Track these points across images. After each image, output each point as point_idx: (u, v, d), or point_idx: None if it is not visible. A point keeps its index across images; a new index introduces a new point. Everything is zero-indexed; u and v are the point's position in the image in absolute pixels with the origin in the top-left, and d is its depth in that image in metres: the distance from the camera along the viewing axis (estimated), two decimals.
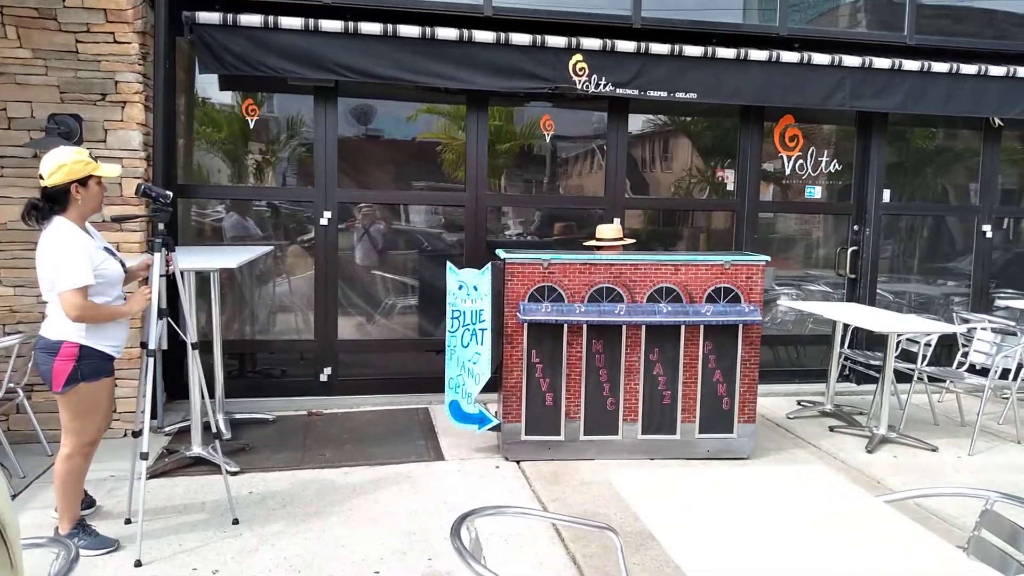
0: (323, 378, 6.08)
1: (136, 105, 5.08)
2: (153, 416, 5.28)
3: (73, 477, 3.51)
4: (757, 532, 1.97)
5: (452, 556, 3.56)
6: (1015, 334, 5.63)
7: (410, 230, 6.50)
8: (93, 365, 3.39)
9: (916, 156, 7.19)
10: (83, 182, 3.36)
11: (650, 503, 2.03)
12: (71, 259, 3.28)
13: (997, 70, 6.30)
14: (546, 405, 4.78)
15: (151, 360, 3.62)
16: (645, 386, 4.83)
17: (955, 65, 6.24)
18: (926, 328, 5.41)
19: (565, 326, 4.72)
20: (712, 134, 6.96)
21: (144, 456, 3.59)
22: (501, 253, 4.79)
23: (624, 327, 4.76)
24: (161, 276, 3.73)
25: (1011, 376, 5.44)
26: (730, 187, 6.67)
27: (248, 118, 5.95)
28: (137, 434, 3.75)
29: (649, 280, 4.76)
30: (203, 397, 4.11)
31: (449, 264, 4.82)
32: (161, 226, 3.68)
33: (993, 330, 5.76)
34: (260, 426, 5.45)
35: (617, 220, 6.26)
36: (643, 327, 4.76)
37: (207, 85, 5.96)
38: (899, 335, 5.44)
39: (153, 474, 4.45)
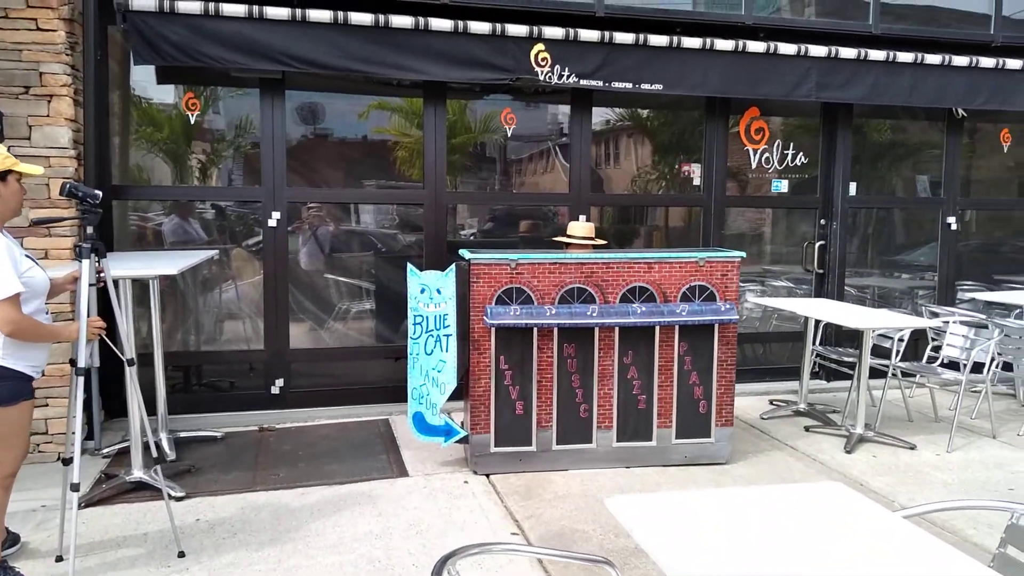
0: (275, 390, 5.70)
1: (64, 99, 4.65)
2: (90, 437, 4.95)
3: None
4: (774, 555, 1.74)
5: None
6: (986, 327, 5.54)
7: (363, 231, 6.16)
8: (11, 387, 3.03)
9: (879, 149, 7.10)
10: (2, 177, 3.03)
11: (655, 532, 1.77)
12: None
13: (960, 60, 6.25)
14: (516, 414, 4.51)
15: (81, 379, 3.24)
16: (619, 391, 4.59)
17: (920, 55, 6.16)
18: (902, 324, 5.30)
19: (535, 330, 4.46)
20: (677, 128, 6.78)
21: (75, 488, 3.20)
22: (465, 253, 4.50)
23: (597, 329, 4.52)
24: (91, 286, 3.34)
25: (985, 370, 5.35)
26: (696, 182, 6.49)
27: (189, 113, 5.54)
28: (68, 461, 3.37)
29: (622, 279, 4.53)
30: (143, 416, 3.73)
31: (410, 266, 4.51)
32: (90, 230, 3.32)
33: (963, 323, 5.68)
34: (207, 444, 5.06)
35: (583, 217, 6.03)
36: (616, 329, 4.53)
37: (144, 79, 5.54)
38: (874, 331, 5.31)
39: (89, 502, 4.06)
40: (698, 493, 2.14)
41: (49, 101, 4.63)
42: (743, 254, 4.68)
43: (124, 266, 4.20)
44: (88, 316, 3.26)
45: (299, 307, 5.90)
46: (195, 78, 5.54)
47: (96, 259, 3.34)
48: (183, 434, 5.07)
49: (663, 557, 1.64)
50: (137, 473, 4.28)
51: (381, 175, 6.16)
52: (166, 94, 5.67)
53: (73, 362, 3.30)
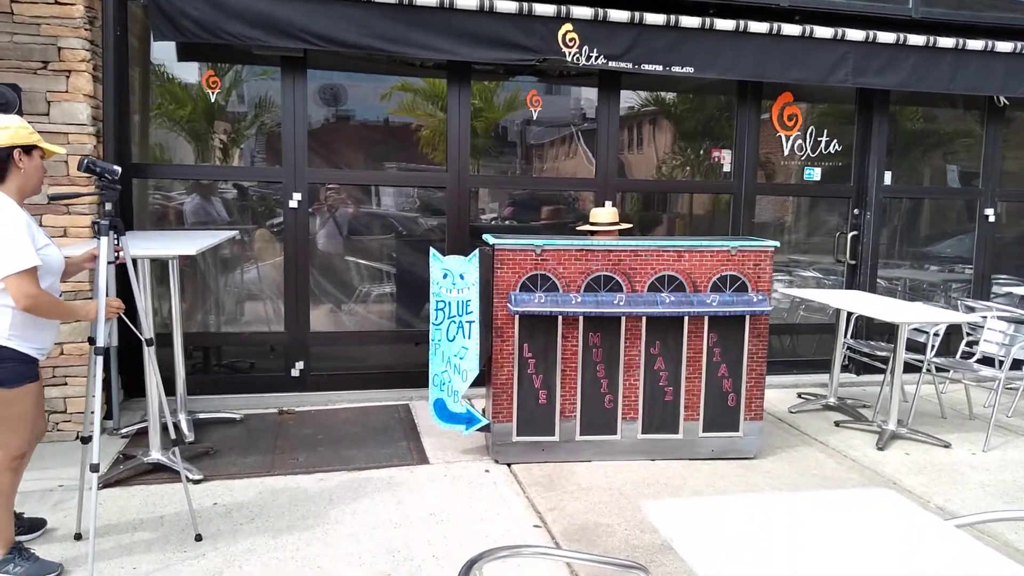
0: (295, 373, 5.64)
1: (83, 75, 4.58)
2: (108, 416, 4.90)
3: (1, 497, 3.06)
4: (828, 567, 1.62)
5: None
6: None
7: (384, 214, 6.05)
8: (14, 369, 2.96)
9: (912, 138, 6.88)
10: (27, 150, 2.97)
11: (698, 544, 1.66)
12: (16, 237, 2.84)
13: (1004, 46, 6.01)
14: (539, 403, 4.41)
15: (99, 359, 3.17)
16: (646, 382, 4.48)
17: (961, 40, 5.93)
18: (938, 318, 5.13)
19: (560, 318, 4.34)
20: (707, 113, 6.60)
21: (95, 468, 3.14)
22: (489, 238, 4.39)
23: (623, 318, 4.39)
24: (109, 264, 3.28)
25: (1006, 365, 5.15)
26: (727, 168, 6.32)
27: (210, 92, 5.46)
28: (86, 440, 3.34)
29: (650, 267, 4.40)
30: (161, 397, 3.67)
31: (432, 251, 4.41)
32: (109, 206, 3.27)
33: (1000, 318, 5.49)
34: (226, 426, 5.01)
35: (609, 203, 5.90)
36: (643, 318, 4.40)
37: (165, 56, 5.45)
38: (909, 325, 5.14)
39: (107, 483, 4.02)
40: (741, 499, 2.03)
41: (68, 77, 4.56)
42: (777, 243, 4.53)
43: (143, 245, 4.13)
44: (107, 295, 3.20)
45: (319, 289, 5.82)
46: (216, 55, 5.44)
47: (115, 236, 3.28)
48: (202, 415, 5.02)
49: (703, 567, 1.53)
50: (155, 454, 4.23)
51: (403, 157, 6.05)
52: (187, 72, 5.57)
53: (92, 341, 3.23)
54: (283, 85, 5.43)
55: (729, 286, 4.46)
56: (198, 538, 3.46)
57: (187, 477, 4.01)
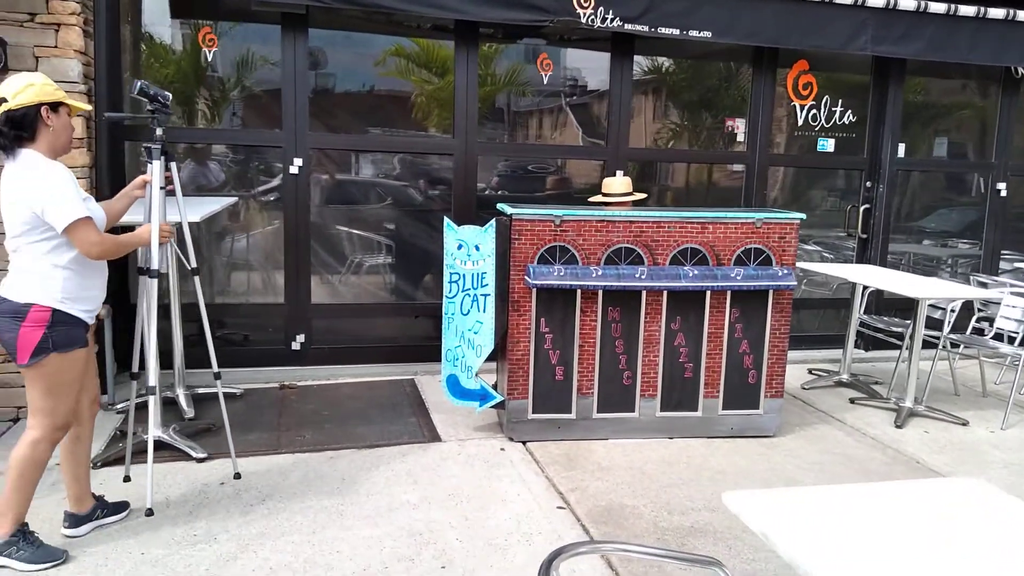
0: (295, 346, 5.45)
1: (73, 29, 4.30)
2: (104, 391, 4.70)
3: (33, 467, 2.89)
4: (930, 559, 1.49)
5: (468, 560, 3.06)
6: None
7: (386, 182, 5.83)
8: (66, 333, 2.83)
9: (922, 109, 6.74)
10: (54, 107, 2.83)
11: (795, 537, 1.51)
12: (66, 190, 2.75)
13: None
14: (556, 380, 4.26)
15: (154, 282, 3.38)
16: (665, 358, 4.34)
17: (982, 8, 5.77)
18: (959, 294, 5.03)
19: (578, 291, 4.18)
20: (722, 81, 6.39)
21: (151, 390, 3.38)
22: (506, 208, 4.20)
23: (644, 293, 4.24)
24: (161, 189, 3.28)
25: None
26: (740, 138, 6.15)
27: (206, 50, 5.18)
28: (136, 376, 3.59)
29: (673, 240, 4.24)
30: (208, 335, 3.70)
31: (447, 220, 4.22)
32: (160, 132, 3.31)
33: (1015, 294, 5.40)
34: (227, 401, 4.77)
35: (620, 172, 5.71)
36: (664, 293, 4.25)
37: (158, 11, 5.16)
38: (928, 301, 5.02)
39: (105, 462, 3.87)
40: (823, 490, 1.89)
41: (57, 31, 4.28)
42: (803, 216, 4.39)
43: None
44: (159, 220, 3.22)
45: (320, 260, 5.61)
46: (213, 13, 5.16)
47: (165, 162, 3.30)
48: (201, 390, 4.82)
49: (813, 567, 1.39)
50: (155, 431, 4.03)
51: (407, 123, 5.81)
52: (181, 30, 5.28)
53: (144, 270, 3.33)
54: (283, 44, 5.16)
55: (753, 259, 4.31)
56: (206, 522, 3.30)
57: (190, 455, 3.88)
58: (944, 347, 5.37)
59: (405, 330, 5.73)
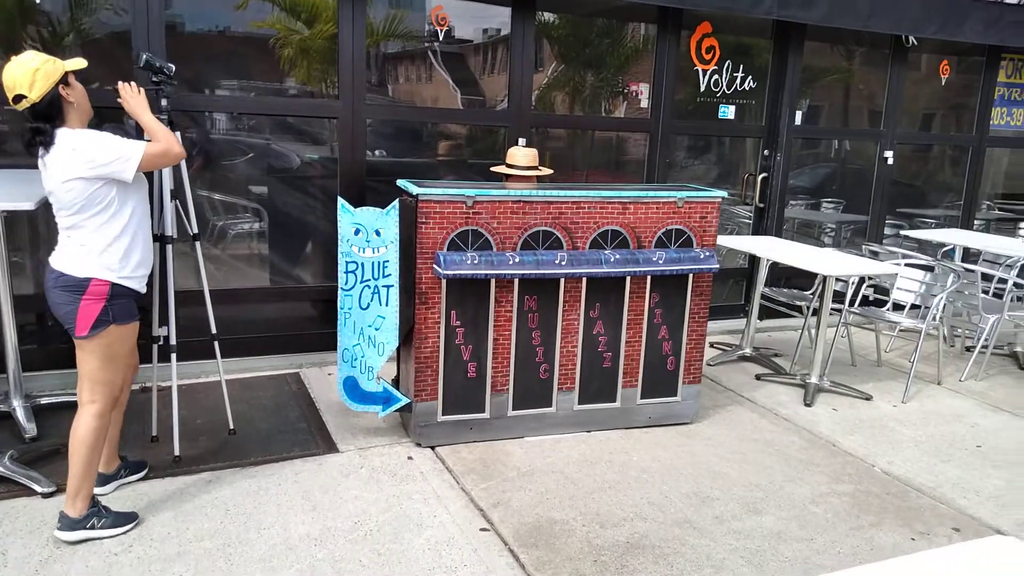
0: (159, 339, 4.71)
1: None
2: None
3: (101, 439, 2.95)
4: None
5: None
6: (932, 269, 5.37)
7: (257, 144, 5.09)
8: (125, 306, 2.93)
9: (816, 75, 6.71)
10: (65, 81, 2.83)
11: None
12: (110, 141, 2.80)
13: None
14: (468, 377, 3.86)
15: (169, 248, 3.57)
16: (584, 348, 4.03)
17: None
18: (870, 270, 5.02)
19: (493, 280, 3.76)
20: (624, 42, 6.02)
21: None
22: (410, 186, 3.69)
23: (563, 280, 3.88)
24: None
25: (931, 314, 5.16)
26: (644, 104, 5.86)
27: None
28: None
29: (593, 221, 3.89)
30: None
31: (341, 202, 3.66)
32: (165, 103, 3.40)
33: (909, 265, 5.48)
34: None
35: (523, 141, 5.29)
36: (584, 278, 3.91)
37: None
38: (836, 278, 4.97)
39: None
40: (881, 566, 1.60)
41: None
42: (724, 193, 4.15)
43: None
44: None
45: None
46: None
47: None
48: (44, 400, 4.08)
49: None
50: None
51: (281, 78, 5.08)
52: None
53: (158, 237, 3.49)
54: None
55: (674, 241, 4.04)
56: None
57: (34, 490, 3.21)
58: (845, 321, 5.39)
59: (284, 317, 5.11)
